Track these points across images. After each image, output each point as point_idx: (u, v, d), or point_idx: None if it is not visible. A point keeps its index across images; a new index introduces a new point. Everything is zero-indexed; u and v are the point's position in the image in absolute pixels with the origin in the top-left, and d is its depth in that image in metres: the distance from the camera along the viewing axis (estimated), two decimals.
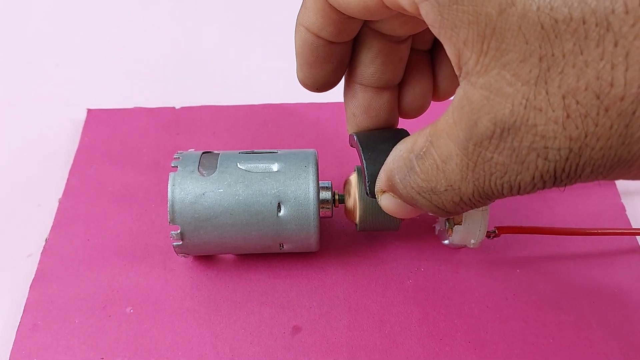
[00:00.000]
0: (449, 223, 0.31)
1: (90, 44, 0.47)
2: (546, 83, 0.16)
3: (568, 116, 0.16)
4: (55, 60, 0.46)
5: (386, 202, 0.24)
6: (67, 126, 0.40)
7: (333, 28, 0.23)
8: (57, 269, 0.32)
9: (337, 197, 0.31)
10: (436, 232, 0.34)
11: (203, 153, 0.31)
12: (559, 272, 0.32)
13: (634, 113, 0.15)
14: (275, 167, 0.30)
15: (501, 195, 0.19)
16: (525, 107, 0.16)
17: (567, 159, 0.16)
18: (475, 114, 0.17)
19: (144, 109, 0.41)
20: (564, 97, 0.16)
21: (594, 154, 0.16)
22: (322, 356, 0.29)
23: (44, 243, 0.34)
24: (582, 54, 0.15)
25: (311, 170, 0.30)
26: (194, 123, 0.40)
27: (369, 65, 0.25)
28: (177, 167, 0.30)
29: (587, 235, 0.33)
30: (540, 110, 0.16)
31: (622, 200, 0.36)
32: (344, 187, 0.31)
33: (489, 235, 0.30)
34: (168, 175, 0.29)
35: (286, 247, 0.31)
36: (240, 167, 0.30)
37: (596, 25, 0.15)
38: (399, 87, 0.27)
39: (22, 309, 0.31)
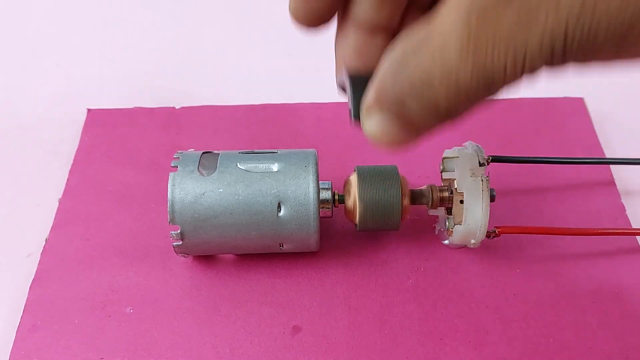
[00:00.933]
0: (449, 223, 0.31)
1: (90, 44, 0.47)
2: None
3: None
4: (55, 60, 0.46)
5: (371, 122, 0.21)
6: (67, 126, 0.40)
7: None
8: (57, 269, 0.32)
9: (337, 197, 0.31)
10: (436, 232, 0.34)
11: (203, 153, 0.31)
12: (559, 272, 0.32)
13: None
14: (275, 167, 0.30)
15: (502, 75, 0.17)
16: None
17: (578, 15, 0.15)
18: None
19: (144, 109, 0.41)
20: None
21: (610, 7, 0.15)
22: (322, 356, 0.29)
23: (44, 243, 0.34)
24: None
25: (311, 170, 0.30)
26: (194, 123, 0.40)
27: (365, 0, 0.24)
28: (177, 167, 0.30)
29: (587, 235, 0.33)
30: None
31: (622, 200, 0.36)
32: (344, 187, 0.31)
33: (489, 235, 0.30)
34: (168, 175, 0.29)
35: (286, 247, 0.31)
36: (240, 167, 0.30)
37: None
38: (395, 36, 0.25)
39: (22, 309, 0.31)
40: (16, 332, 0.30)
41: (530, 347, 0.30)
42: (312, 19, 0.24)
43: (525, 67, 0.17)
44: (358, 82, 0.23)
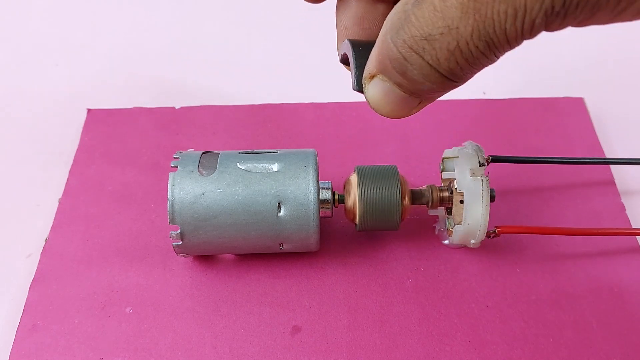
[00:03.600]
0: (449, 223, 0.31)
1: (90, 44, 0.47)
2: None
3: None
4: (55, 60, 0.46)
5: (374, 90, 0.21)
6: (67, 126, 0.40)
7: None
8: (56, 269, 0.32)
9: (337, 197, 0.31)
10: (436, 232, 0.34)
11: (203, 153, 0.31)
12: (558, 272, 0.32)
13: None
14: (275, 167, 0.30)
15: (503, 32, 0.17)
16: None
17: None
18: None
19: (144, 109, 0.41)
20: None
21: None
22: (322, 356, 0.29)
23: (43, 243, 0.34)
24: None
25: (311, 170, 0.30)
26: (194, 123, 0.40)
27: None
28: (176, 167, 0.30)
29: (587, 235, 0.33)
30: None
31: (622, 200, 0.36)
32: (344, 187, 0.31)
33: (489, 235, 0.30)
34: (168, 175, 0.29)
35: (286, 247, 0.31)
36: (240, 167, 0.30)
37: None
38: (395, 5, 0.25)
39: (22, 309, 0.31)
40: (16, 332, 0.30)
41: (530, 347, 0.30)
42: None
43: (525, 24, 0.17)
44: (360, 51, 0.23)
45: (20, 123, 0.41)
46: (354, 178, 0.31)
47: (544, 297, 0.31)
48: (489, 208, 0.29)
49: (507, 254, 0.33)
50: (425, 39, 0.18)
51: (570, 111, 0.40)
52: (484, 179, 0.29)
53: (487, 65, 0.19)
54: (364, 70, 0.22)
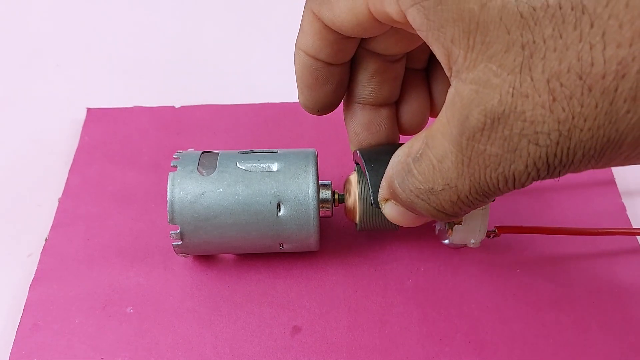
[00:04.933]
0: (449, 223, 0.31)
1: (90, 44, 0.47)
2: (530, 69, 0.16)
3: (554, 99, 0.16)
4: (55, 60, 0.46)
5: (389, 210, 0.24)
6: (67, 126, 0.40)
7: (330, 49, 0.24)
8: (57, 268, 0.32)
9: (337, 196, 0.31)
10: (436, 232, 0.34)
11: (203, 153, 0.31)
12: (559, 272, 0.32)
13: (616, 90, 0.15)
14: (275, 166, 0.30)
15: (497, 189, 0.19)
16: (512, 95, 0.17)
17: (557, 142, 0.17)
18: (466, 108, 0.18)
19: (144, 109, 0.41)
20: (548, 81, 0.16)
21: (583, 136, 0.16)
22: (322, 356, 0.29)
23: (44, 243, 0.34)
24: (561, 37, 0.16)
25: (311, 169, 0.30)
26: (194, 123, 0.40)
27: (366, 85, 0.27)
28: (176, 166, 0.30)
29: (587, 235, 0.33)
30: (527, 96, 0.16)
31: (622, 200, 0.36)
32: (344, 187, 0.31)
33: (489, 235, 0.30)
34: (168, 174, 0.29)
35: (286, 247, 0.31)
36: (240, 166, 0.30)
37: (572, 9, 0.15)
38: (397, 105, 0.28)
39: (22, 309, 0.31)
40: (16, 332, 0.30)
41: (530, 347, 0.30)
42: (321, 109, 0.27)
43: (515, 184, 0.19)
44: (372, 167, 0.26)
45: (20, 123, 0.41)
46: (354, 177, 0.31)
47: (544, 297, 0.31)
48: (489, 208, 0.29)
49: (507, 254, 0.33)
50: (429, 192, 0.21)
51: None
52: None
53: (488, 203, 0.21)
54: (378, 189, 0.25)
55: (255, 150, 0.31)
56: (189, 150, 0.32)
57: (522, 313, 0.31)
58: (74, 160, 0.38)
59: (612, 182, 0.36)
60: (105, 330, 0.30)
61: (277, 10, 0.50)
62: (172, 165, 0.30)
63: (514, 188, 0.19)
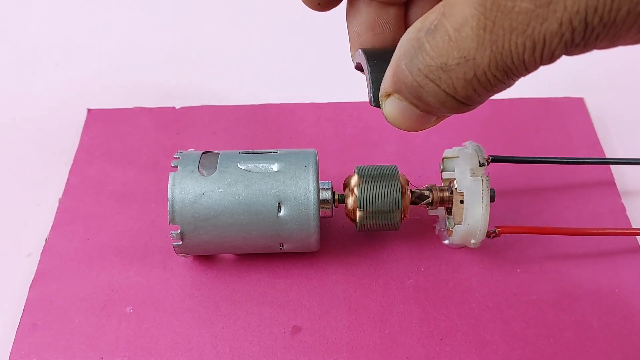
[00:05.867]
0: (449, 223, 0.31)
1: (90, 44, 0.47)
2: None
3: None
4: (55, 60, 0.46)
5: (390, 106, 0.21)
6: (67, 126, 0.40)
7: None
8: (57, 268, 0.32)
9: (337, 197, 0.31)
10: (436, 232, 0.34)
11: (203, 153, 0.31)
12: (559, 272, 0.32)
13: None
14: (275, 167, 0.30)
15: (521, 63, 0.17)
16: None
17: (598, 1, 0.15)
18: None
19: (144, 109, 0.41)
20: None
21: None
22: (322, 356, 0.29)
23: (44, 243, 0.34)
24: None
25: (311, 170, 0.30)
26: (194, 123, 0.40)
27: None
28: (177, 166, 0.30)
29: (587, 235, 0.33)
30: None
31: (622, 200, 0.36)
32: (344, 187, 0.31)
33: (489, 235, 0.30)
34: (168, 175, 0.29)
35: (286, 247, 0.31)
36: (240, 167, 0.30)
37: None
38: (406, 6, 0.25)
39: (22, 309, 0.31)
40: (16, 332, 0.30)
41: (530, 347, 0.30)
42: (322, 1, 0.24)
43: (544, 55, 0.16)
44: (375, 64, 0.23)
45: (21, 123, 0.41)
46: (354, 178, 0.31)
47: (544, 297, 0.31)
48: (489, 208, 0.29)
49: (507, 254, 0.33)
50: (441, 69, 0.18)
51: (571, 111, 0.40)
52: (484, 179, 0.29)
53: (504, 90, 0.19)
54: (379, 85, 0.22)
55: (256, 150, 0.31)
56: (189, 150, 0.32)
57: (522, 313, 0.31)
58: (74, 160, 0.38)
59: (612, 182, 0.36)
60: (104, 330, 0.30)
61: (277, 10, 0.50)
62: (172, 165, 0.30)
63: (541, 60, 0.16)
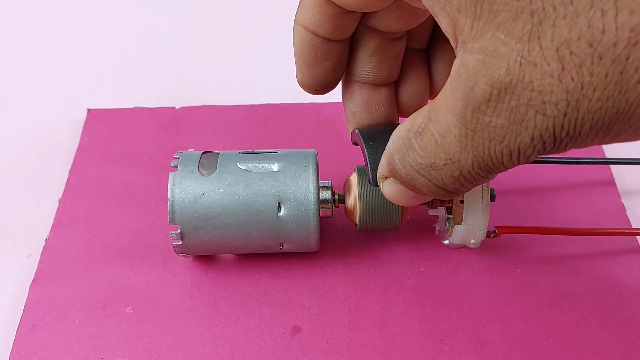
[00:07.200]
0: (449, 223, 0.31)
1: (90, 44, 0.47)
2: (539, 37, 0.16)
3: (563, 68, 0.16)
4: (55, 60, 0.46)
5: (388, 188, 0.23)
6: (67, 126, 0.40)
7: (330, 24, 0.24)
8: (57, 269, 0.32)
9: (337, 197, 0.31)
10: (436, 232, 0.34)
11: (203, 153, 0.31)
12: (559, 272, 0.32)
13: (627, 58, 0.15)
14: (275, 167, 0.30)
15: (501, 164, 0.18)
16: (520, 65, 0.16)
17: (565, 113, 0.16)
18: (471, 79, 0.17)
19: (144, 109, 0.41)
20: (557, 50, 0.16)
21: (592, 106, 0.16)
22: (322, 356, 0.29)
23: (44, 243, 0.34)
24: (572, 4, 0.15)
25: (311, 170, 0.30)
26: (194, 123, 0.40)
27: (366, 64, 0.26)
28: (177, 166, 0.30)
29: (587, 235, 0.33)
30: (536, 65, 0.16)
31: (622, 200, 0.36)
32: (344, 187, 0.31)
33: (489, 235, 0.30)
34: (168, 175, 0.29)
35: (286, 247, 0.31)
36: (240, 167, 0.30)
37: None
38: (397, 85, 0.27)
39: (22, 309, 0.31)
40: (16, 332, 0.30)
41: (530, 347, 0.30)
42: (319, 87, 0.26)
43: (520, 160, 0.18)
44: (371, 145, 0.25)
45: (21, 123, 0.41)
46: (354, 178, 0.31)
47: (544, 297, 0.31)
48: (489, 208, 0.29)
49: (507, 254, 0.33)
50: (431, 167, 0.20)
51: None
52: None
53: (489, 181, 0.21)
54: (377, 167, 0.24)
55: (256, 150, 0.31)
56: (189, 150, 0.32)
57: (522, 313, 0.31)
58: (74, 160, 0.38)
59: (612, 182, 0.36)
60: (105, 330, 0.30)
61: (277, 10, 0.50)
62: (172, 165, 0.30)
63: (518, 162, 0.18)
